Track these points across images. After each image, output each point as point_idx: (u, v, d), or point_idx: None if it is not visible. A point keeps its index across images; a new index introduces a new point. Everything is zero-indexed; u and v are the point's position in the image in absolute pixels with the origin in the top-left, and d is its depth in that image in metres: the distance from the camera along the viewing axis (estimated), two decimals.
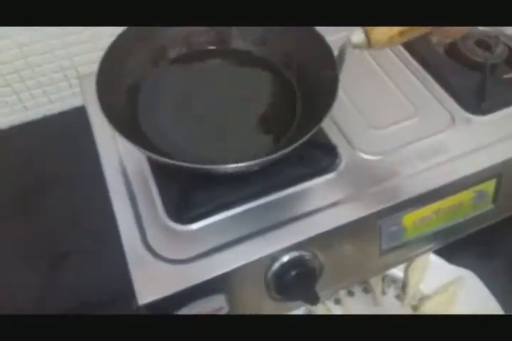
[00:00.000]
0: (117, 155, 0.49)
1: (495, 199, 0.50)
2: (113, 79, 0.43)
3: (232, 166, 0.39)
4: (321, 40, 0.45)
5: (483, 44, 0.56)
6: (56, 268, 0.51)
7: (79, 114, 0.64)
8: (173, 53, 0.50)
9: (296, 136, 0.41)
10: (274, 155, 0.39)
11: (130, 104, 0.46)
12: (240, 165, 0.39)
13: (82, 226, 0.53)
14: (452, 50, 0.57)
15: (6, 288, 0.49)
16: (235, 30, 0.50)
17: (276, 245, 0.42)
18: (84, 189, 0.55)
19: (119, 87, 0.45)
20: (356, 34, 0.41)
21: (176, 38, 0.49)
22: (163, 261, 0.41)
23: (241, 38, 0.51)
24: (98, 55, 0.62)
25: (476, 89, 0.52)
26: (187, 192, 0.44)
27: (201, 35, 0.50)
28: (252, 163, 0.39)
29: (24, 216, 0.55)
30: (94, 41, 0.62)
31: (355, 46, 0.41)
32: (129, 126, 0.43)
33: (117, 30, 0.59)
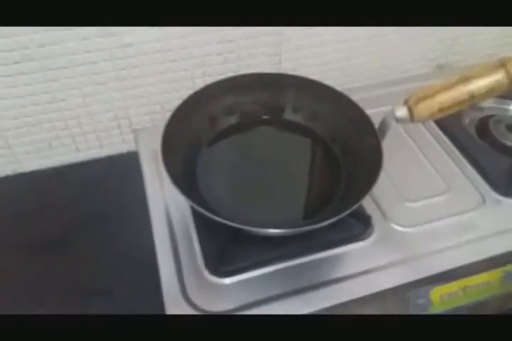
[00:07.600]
0: (164, 203, 0.52)
1: None
2: (175, 140, 0.48)
3: (272, 231, 0.42)
4: (361, 113, 0.49)
5: None
6: (90, 304, 0.52)
7: (124, 159, 0.70)
8: (231, 120, 0.55)
9: (338, 206, 0.44)
10: (315, 226, 0.41)
11: (189, 163, 0.50)
12: (279, 231, 0.42)
13: (120, 265, 0.54)
14: (484, 133, 0.60)
15: None
16: (287, 105, 0.55)
17: (305, 308, 0.43)
18: (124, 229, 0.58)
19: (179, 147, 0.49)
20: (400, 109, 0.42)
21: (232, 107, 0.54)
22: (197, 310, 0.43)
23: (293, 112, 0.56)
24: (149, 108, 0.69)
25: (506, 172, 0.55)
26: (226, 247, 0.46)
27: (256, 106, 0.55)
28: (291, 231, 0.42)
29: (63, 251, 0.57)
30: (148, 96, 0.68)
31: (398, 120, 0.43)
32: (184, 181, 0.46)
33: (167, 88, 0.65)
